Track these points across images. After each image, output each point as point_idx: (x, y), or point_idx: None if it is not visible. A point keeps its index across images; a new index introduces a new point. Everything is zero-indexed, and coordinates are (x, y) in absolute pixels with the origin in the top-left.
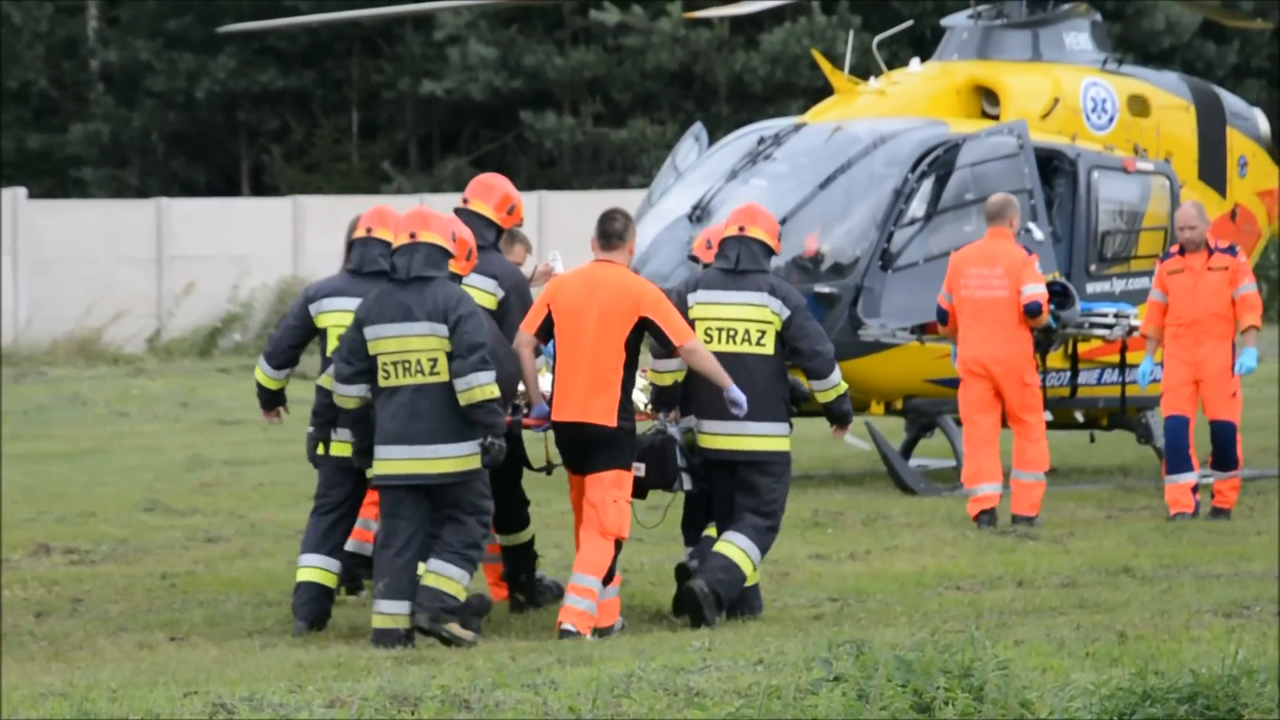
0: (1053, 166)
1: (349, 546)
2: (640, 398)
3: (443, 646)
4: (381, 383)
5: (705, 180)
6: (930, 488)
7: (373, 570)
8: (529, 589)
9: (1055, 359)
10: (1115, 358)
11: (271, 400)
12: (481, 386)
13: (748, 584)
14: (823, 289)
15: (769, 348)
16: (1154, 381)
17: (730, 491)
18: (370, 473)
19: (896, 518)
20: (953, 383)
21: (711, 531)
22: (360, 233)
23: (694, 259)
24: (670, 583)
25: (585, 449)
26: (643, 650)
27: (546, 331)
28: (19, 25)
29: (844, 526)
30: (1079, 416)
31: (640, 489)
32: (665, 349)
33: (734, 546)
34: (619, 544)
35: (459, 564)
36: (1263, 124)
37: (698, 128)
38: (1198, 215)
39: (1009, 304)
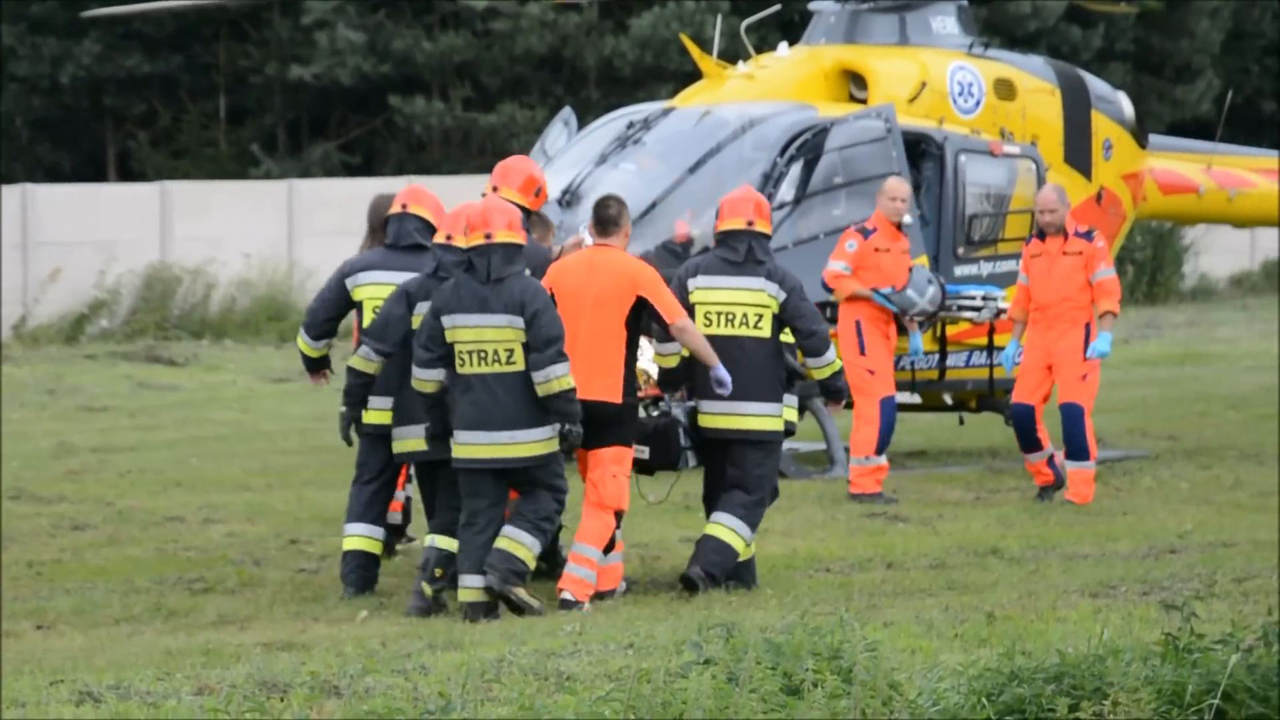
0: (920, 150)
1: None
2: (654, 369)
3: (316, 632)
4: (458, 370)
5: (574, 165)
6: (800, 470)
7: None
8: (550, 557)
9: (924, 341)
10: (983, 340)
11: (315, 365)
12: (560, 378)
13: (742, 559)
14: None
15: (766, 330)
16: (1019, 364)
17: (723, 468)
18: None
19: None
20: None
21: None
22: (396, 209)
23: (669, 249)
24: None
25: (588, 426)
26: (514, 635)
27: None
28: None
29: None
30: (947, 399)
31: (647, 468)
32: (661, 327)
33: (723, 527)
34: (619, 515)
35: (531, 532)
36: (1127, 107)
37: (567, 112)
38: (1057, 199)
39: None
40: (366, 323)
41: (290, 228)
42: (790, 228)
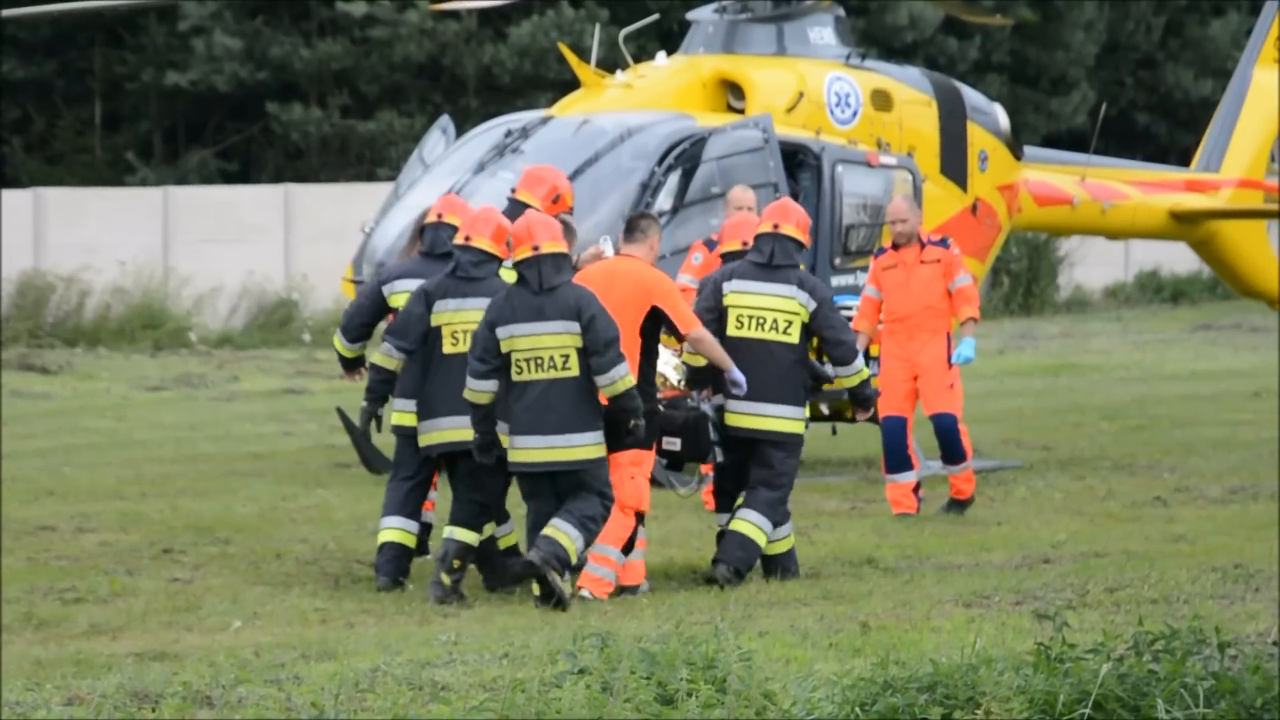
0: (798, 160)
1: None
2: (673, 375)
3: (188, 642)
4: (515, 377)
5: (453, 173)
6: (680, 480)
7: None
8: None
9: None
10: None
11: (351, 365)
12: (624, 378)
13: (782, 550)
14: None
15: (794, 337)
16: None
17: (747, 465)
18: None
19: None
20: None
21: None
22: (431, 218)
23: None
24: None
25: (613, 426)
26: (389, 644)
27: None
28: None
29: None
30: (824, 409)
31: (676, 461)
32: (674, 336)
33: (747, 523)
34: (640, 516)
35: (577, 527)
36: (1002, 119)
37: (444, 120)
38: (909, 209)
39: None
40: None
41: (166, 235)
42: (668, 237)
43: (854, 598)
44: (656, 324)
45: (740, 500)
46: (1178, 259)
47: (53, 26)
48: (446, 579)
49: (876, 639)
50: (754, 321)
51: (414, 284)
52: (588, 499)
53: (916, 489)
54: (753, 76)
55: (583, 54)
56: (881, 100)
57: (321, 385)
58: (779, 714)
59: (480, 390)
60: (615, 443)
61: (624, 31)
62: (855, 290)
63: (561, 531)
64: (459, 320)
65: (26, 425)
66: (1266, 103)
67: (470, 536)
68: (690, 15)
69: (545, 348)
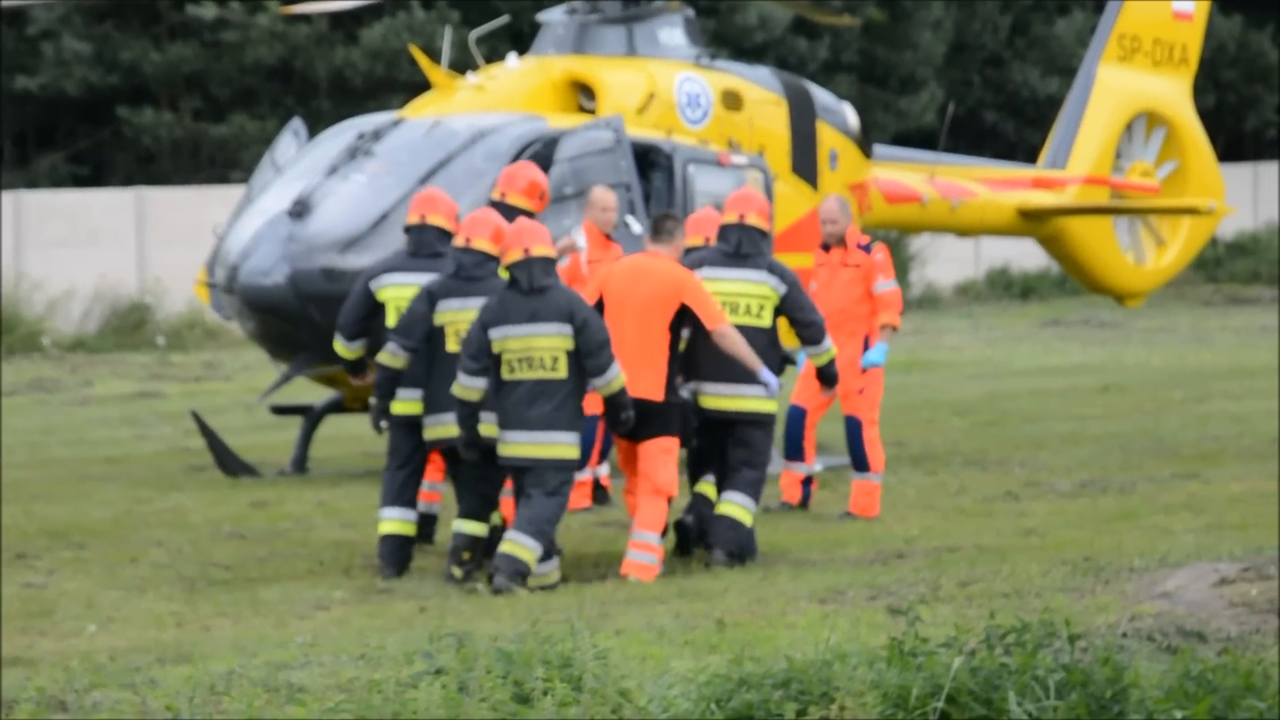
0: (649, 161)
1: (419, 508)
2: None
3: (43, 647)
4: (505, 376)
5: (305, 176)
6: None
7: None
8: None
9: None
10: None
11: (355, 367)
12: (619, 377)
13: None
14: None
15: (766, 320)
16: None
17: (724, 447)
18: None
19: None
20: None
21: (705, 489)
22: (414, 219)
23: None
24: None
25: (636, 421)
26: (245, 647)
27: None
28: None
29: (447, 520)
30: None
31: None
32: (700, 331)
33: (733, 505)
34: (670, 501)
35: (536, 537)
36: (852, 118)
37: (296, 123)
38: (839, 210)
39: None
40: (390, 321)
41: (17, 239)
42: None
43: (710, 595)
44: (682, 321)
45: (704, 486)
46: (1027, 256)
47: None
48: (458, 572)
49: (732, 636)
50: (727, 307)
51: (400, 278)
52: (548, 504)
53: (807, 482)
54: (603, 77)
55: (434, 56)
56: (732, 100)
57: (176, 389)
58: (635, 712)
59: (469, 387)
60: (643, 431)
61: (475, 33)
62: None
63: (519, 545)
64: (462, 320)
65: None
66: (1111, 100)
67: (478, 528)
68: (541, 17)
69: (537, 349)
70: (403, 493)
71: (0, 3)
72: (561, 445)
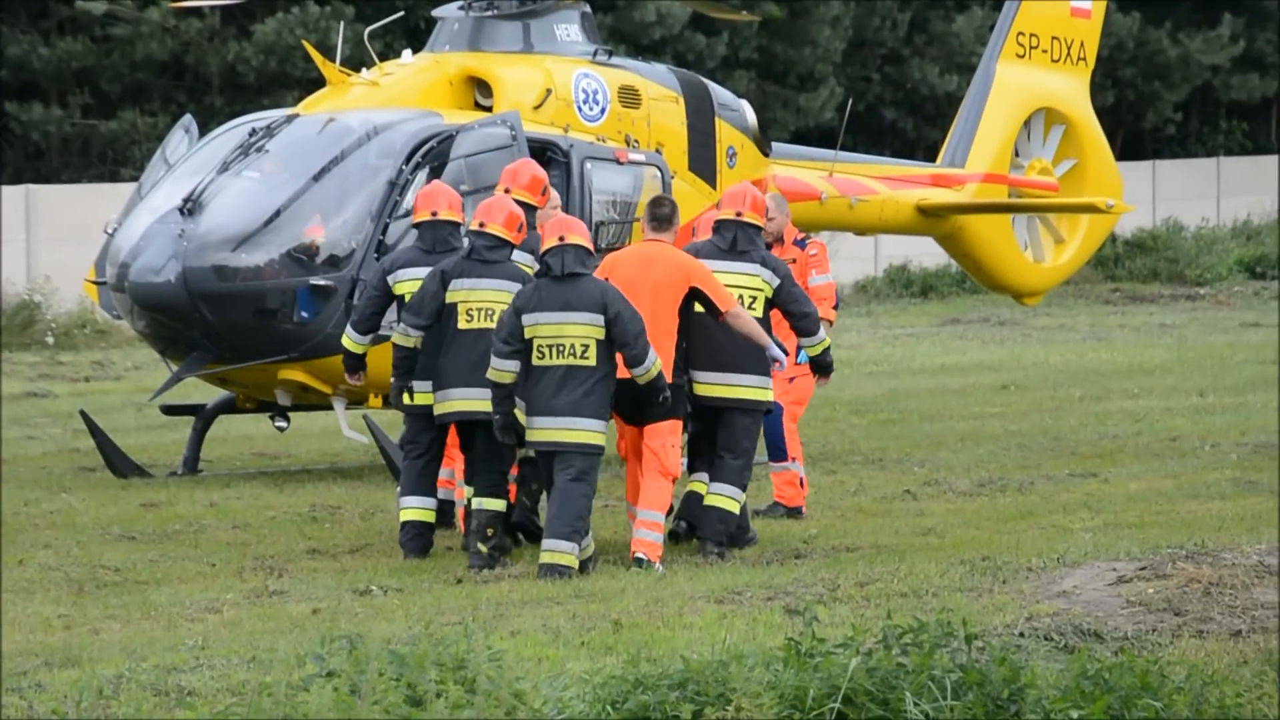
0: (546, 157)
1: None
2: None
3: None
4: (535, 361)
5: (197, 172)
6: None
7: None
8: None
9: None
10: None
11: (355, 364)
12: (656, 362)
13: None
14: (319, 281)
15: (759, 311)
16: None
17: (713, 433)
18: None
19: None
20: None
21: (697, 486)
22: (425, 215)
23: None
24: None
25: (641, 403)
26: (134, 650)
27: None
28: None
29: (342, 521)
30: None
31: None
32: (712, 315)
33: (721, 496)
34: (674, 481)
35: (568, 539)
36: (750, 115)
37: (188, 119)
38: (775, 208)
39: None
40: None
41: None
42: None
43: (606, 595)
44: (690, 305)
45: (696, 485)
46: (926, 254)
47: None
48: (484, 548)
49: (628, 637)
50: None
51: (417, 273)
52: (574, 496)
53: (801, 482)
54: (499, 74)
55: (328, 52)
56: (629, 97)
57: (65, 388)
58: (529, 713)
59: (503, 370)
60: (648, 414)
61: (369, 29)
62: None
63: (559, 553)
64: (473, 299)
65: None
66: (1009, 98)
67: (498, 504)
68: (436, 12)
69: (568, 336)
70: (421, 481)
71: None
72: (589, 431)
